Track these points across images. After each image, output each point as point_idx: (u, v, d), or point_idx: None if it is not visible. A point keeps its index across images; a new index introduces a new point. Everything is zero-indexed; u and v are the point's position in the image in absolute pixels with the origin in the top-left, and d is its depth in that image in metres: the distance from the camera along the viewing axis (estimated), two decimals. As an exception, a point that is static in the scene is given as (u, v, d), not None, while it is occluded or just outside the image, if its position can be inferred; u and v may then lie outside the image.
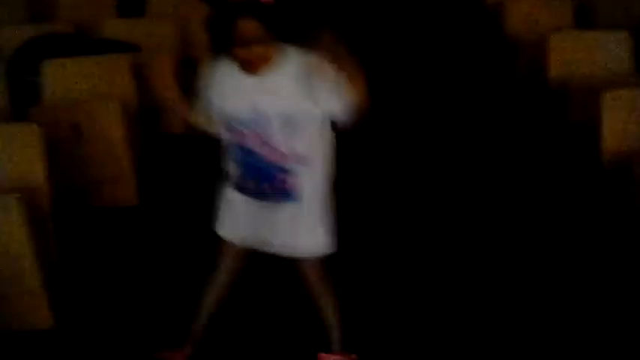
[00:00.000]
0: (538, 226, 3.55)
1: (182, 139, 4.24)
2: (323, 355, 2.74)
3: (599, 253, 3.28)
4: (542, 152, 4.31)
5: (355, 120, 2.26)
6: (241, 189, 2.47)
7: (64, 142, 3.61)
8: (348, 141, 2.50)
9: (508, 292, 3.10)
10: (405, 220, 3.69)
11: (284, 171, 2.36)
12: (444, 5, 7.16)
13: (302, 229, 2.47)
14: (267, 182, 2.39)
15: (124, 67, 4.17)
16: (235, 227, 2.55)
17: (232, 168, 2.46)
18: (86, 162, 3.74)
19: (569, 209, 3.67)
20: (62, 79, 4.13)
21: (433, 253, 3.40)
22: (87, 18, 5.40)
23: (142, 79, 4.16)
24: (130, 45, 4.76)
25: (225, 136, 2.42)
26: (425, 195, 3.92)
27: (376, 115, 2.43)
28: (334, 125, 2.38)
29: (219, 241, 2.60)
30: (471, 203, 3.82)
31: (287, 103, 2.29)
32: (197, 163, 4.04)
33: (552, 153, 4.25)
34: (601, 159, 3.45)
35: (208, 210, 2.62)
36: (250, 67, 2.26)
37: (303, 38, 2.30)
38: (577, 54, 4.41)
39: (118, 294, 3.24)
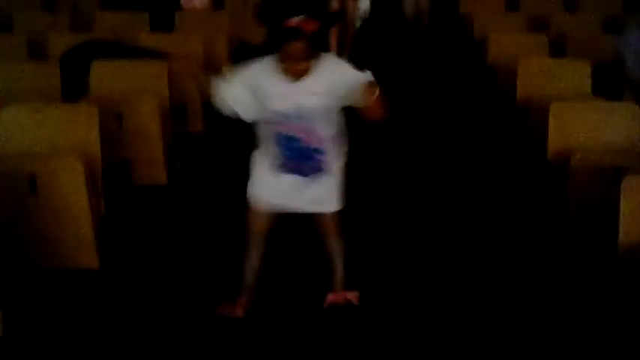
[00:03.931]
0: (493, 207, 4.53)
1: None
2: (329, 295, 3.40)
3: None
4: (507, 152, 5.30)
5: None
6: (282, 167, 3.04)
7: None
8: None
9: (482, 286, 3.71)
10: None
11: (321, 153, 3.02)
12: (440, 39, 8.06)
13: (328, 192, 3.16)
14: (308, 162, 3.02)
15: (162, 69, 4.97)
16: (271, 195, 3.14)
17: (274, 150, 3.03)
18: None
19: (520, 193, 4.64)
20: (108, 77, 4.92)
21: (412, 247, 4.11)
22: (123, 31, 6.24)
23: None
24: (162, 53, 5.56)
25: (265, 126, 3.03)
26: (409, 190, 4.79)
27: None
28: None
29: (247, 210, 3.20)
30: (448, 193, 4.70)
31: (324, 100, 2.93)
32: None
33: (515, 154, 5.14)
34: (547, 156, 4.24)
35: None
36: (295, 75, 2.89)
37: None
38: (541, 78, 5.20)
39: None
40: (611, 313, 3.29)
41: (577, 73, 5.20)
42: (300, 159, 3.01)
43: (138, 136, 4.54)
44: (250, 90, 2.97)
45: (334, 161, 3.13)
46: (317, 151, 3.01)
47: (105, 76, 4.92)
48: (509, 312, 3.44)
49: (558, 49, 6.26)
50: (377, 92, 2.86)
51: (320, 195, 3.15)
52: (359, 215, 4.36)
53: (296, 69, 2.87)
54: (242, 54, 5.23)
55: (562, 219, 4.01)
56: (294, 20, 2.77)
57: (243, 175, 3.29)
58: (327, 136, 3.03)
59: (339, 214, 3.27)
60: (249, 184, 3.20)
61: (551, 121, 4.22)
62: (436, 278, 3.75)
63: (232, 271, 3.39)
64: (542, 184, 4.35)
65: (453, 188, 4.89)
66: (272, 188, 3.13)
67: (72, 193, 3.65)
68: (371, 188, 4.83)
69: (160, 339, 3.23)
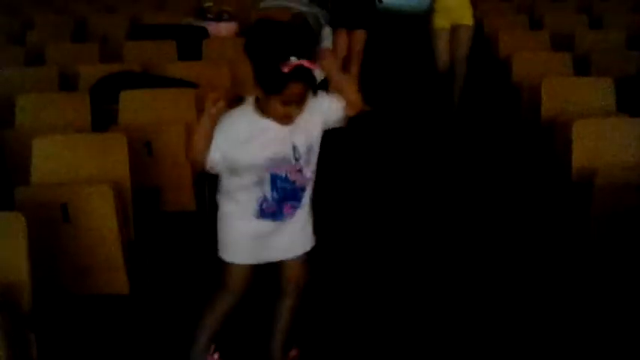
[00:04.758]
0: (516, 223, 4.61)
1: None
2: None
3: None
4: (531, 170, 5.35)
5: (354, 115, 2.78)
6: (260, 213, 2.78)
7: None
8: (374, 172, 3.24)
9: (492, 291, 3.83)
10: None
11: (305, 189, 2.81)
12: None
13: (302, 230, 2.92)
14: (292, 201, 2.79)
15: (189, 97, 5.07)
16: (247, 250, 2.88)
17: (254, 197, 2.75)
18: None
19: (544, 211, 4.67)
20: (136, 106, 5.03)
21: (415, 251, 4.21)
22: (151, 61, 6.38)
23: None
24: (190, 82, 5.67)
25: (249, 176, 2.71)
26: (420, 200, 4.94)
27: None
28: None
29: (224, 266, 2.91)
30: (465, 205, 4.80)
31: (311, 136, 2.73)
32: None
33: (540, 171, 5.19)
34: (571, 174, 4.25)
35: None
36: (287, 120, 2.62)
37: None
38: (565, 96, 5.23)
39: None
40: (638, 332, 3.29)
41: (601, 91, 5.22)
42: (284, 199, 2.78)
43: (166, 164, 4.64)
44: (245, 146, 2.67)
45: (309, 194, 2.88)
46: (302, 188, 2.81)
47: (133, 105, 5.03)
48: (534, 330, 3.46)
49: (583, 66, 6.28)
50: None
51: (292, 238, 2.91)
52: (382, 233, 4.46)
53: (291, 113, 2.59)
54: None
55: (586, 236, 4.01)
56: (293, 61, 2.46)
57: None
58: (312, 173, 2.81)
59: (306, 260, 3.02)
60: (221, 245, 2.91)
61: (575, 138, 4.25)
62: (459, 295, 3.79)
63: (259, 294, 3.42)
64: (567, 202, 4.36)
65: (477, 205, 4.92)
66: (248, 244, 2.88)
67: (103, 220, 3.74)
68: (395, 201, 4.93)
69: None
